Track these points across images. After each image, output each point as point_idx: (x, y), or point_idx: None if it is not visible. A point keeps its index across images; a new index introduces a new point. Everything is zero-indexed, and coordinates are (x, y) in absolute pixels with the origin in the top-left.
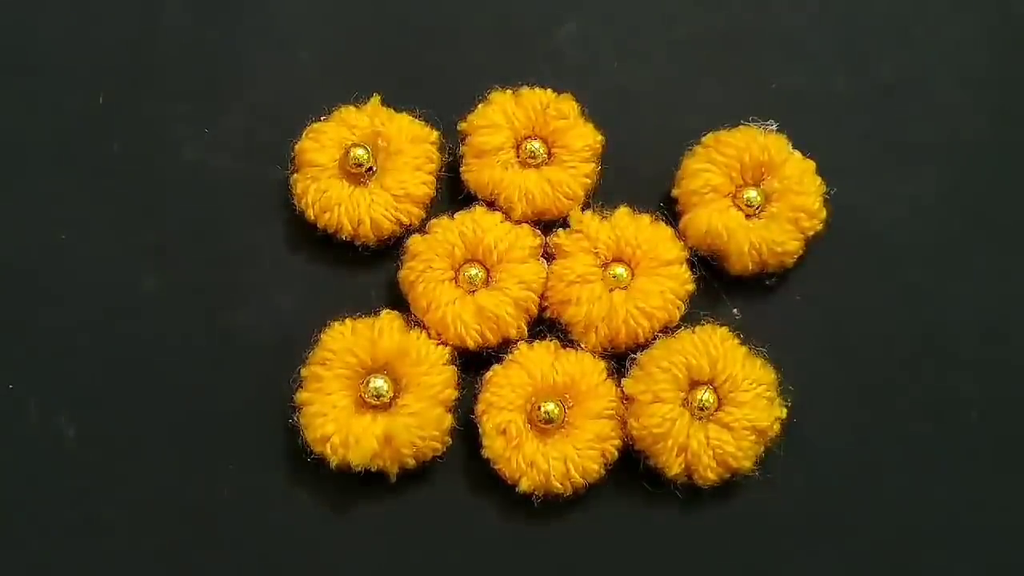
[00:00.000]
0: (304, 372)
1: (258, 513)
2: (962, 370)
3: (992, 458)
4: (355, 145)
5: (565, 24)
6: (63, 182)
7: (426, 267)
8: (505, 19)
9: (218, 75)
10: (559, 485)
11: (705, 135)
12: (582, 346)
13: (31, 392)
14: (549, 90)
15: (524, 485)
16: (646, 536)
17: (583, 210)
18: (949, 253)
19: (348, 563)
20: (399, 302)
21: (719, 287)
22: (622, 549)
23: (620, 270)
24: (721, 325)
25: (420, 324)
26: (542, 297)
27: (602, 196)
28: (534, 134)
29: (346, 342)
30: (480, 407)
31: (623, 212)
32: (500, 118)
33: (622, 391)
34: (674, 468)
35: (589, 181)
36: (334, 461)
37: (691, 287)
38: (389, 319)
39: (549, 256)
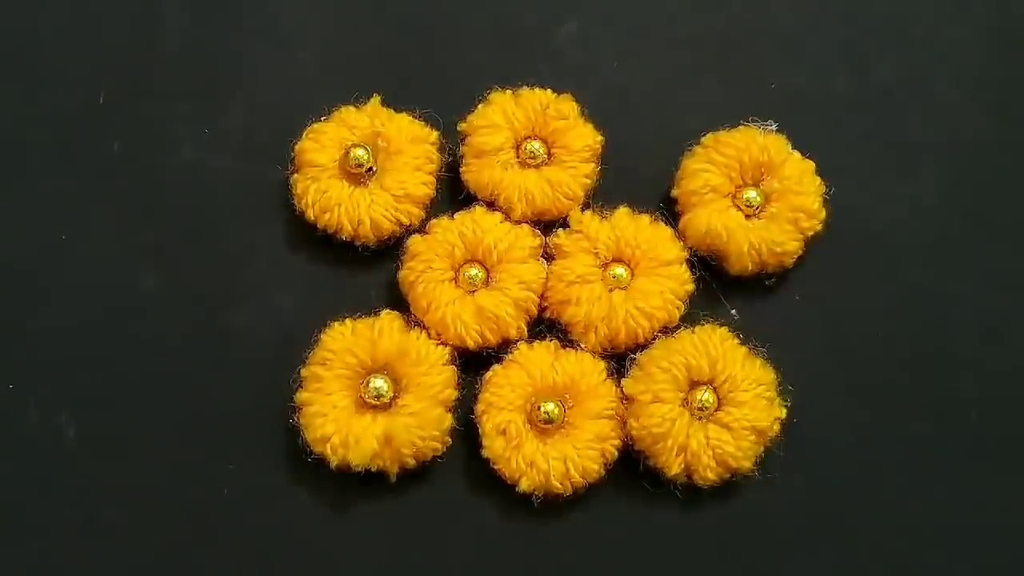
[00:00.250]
0: (304, 372)
1: (258, 513)
2: (962, 370)
3: (992, 458)
4: (355, 145)
5: (565, 24)
6: (63, 182)
7: (426, 267)
8: (505, 19)
9: (218, 75)
10: (559, 485)
11: (705, 135)
12: (582, 346)
13: (31, 392)
14: (549, 90)
15: (524, 485)
16: (646, 536)
17: (583, 210)
18: (949, 253)
19: (348, 563)
20: (399, 302)
21: (719, 287)
22: (622, 549)
23: (620, 270)
24: (721, 325)
25: (420, 324)
26: (542, 297)
27: (602, 196)
28: (534, 134)
29: (346, 342)
30: (480, 407)
31: (623, 212)
32: (500, 118)
33: (622, 391)
34: (674, 468)
35: (589, 181)
36: (334, 461)
37: (691, 287)
38: (389, 319)
39: (549, 256)
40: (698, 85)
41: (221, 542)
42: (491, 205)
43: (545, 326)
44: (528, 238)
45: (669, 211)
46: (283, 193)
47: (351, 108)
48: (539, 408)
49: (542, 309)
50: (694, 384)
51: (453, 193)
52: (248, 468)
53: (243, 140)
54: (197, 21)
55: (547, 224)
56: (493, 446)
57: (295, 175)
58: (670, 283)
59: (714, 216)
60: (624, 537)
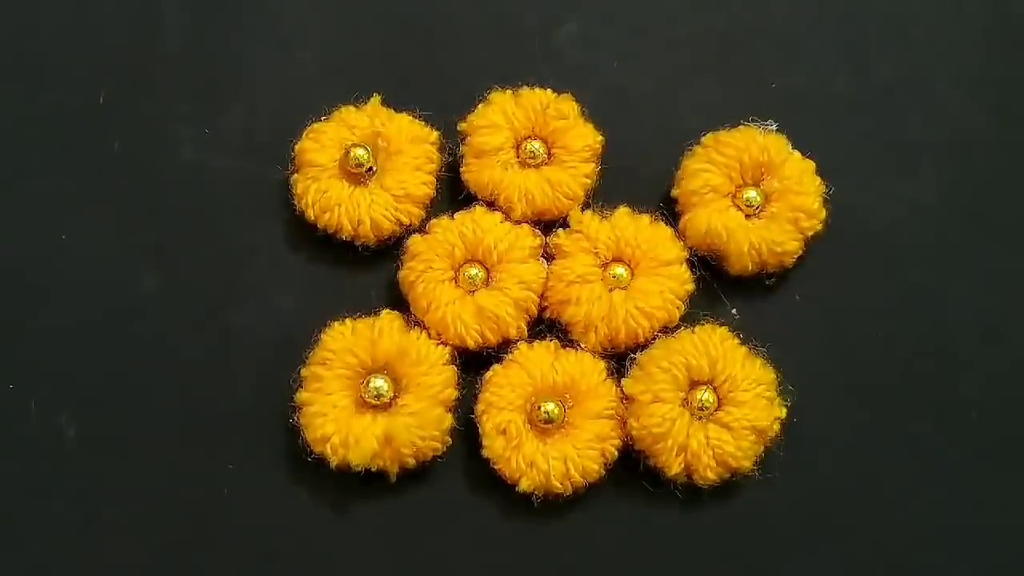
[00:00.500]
0: (304, 372)
1: (258, 513)
2: (962, 370)
3: (992, 458)
4: (355, 145)
5: (565, 24)
6: (63, 182)
7: (426, 267)
8: (505, 19)
9: (218, 75)
10: (559, 485)
11: (705, 135)
12: (582, 346)
13: (31, 392)
14: (549, 90)
15: (524, 485)
16: (646, 536)
17: (583, 210)
18: (949, 253)
19: (348, 563)
20: (399, 302)
21: (719, 287)
22: (622, 549)
23: (620, 270)
24: (721, 325)
25: (420, 324)
26: (542, 297)
27: (602, 196)
28: (534, 134)
29: (346, 342)
30: (480, 407)
31: (623, 212)
32: (500, 118)
33: (622, 391)
34: (674, 468)
35: (589, 181)
36: (334, 461)
37: (691, 287)
38: (389, 319)
39: (549, 256)
40: (698, 85)
41: (221, 542)
42: (491, 205)
43: (545, 326)
44: (528, 238)
45: (669, 211)
46: (283, 193)
47: (351, 108)
48: (539, 408)
49: (542, 309)
50: (694, 384)
51: (453, 193)
52: (248, 468)
53: (243, 140)
54: (197, 21)
55: (547, 224)
56: (493, 446)
57: (295, 175)
58: (670, 283)
59: (714, 216)
60: (624, 537)
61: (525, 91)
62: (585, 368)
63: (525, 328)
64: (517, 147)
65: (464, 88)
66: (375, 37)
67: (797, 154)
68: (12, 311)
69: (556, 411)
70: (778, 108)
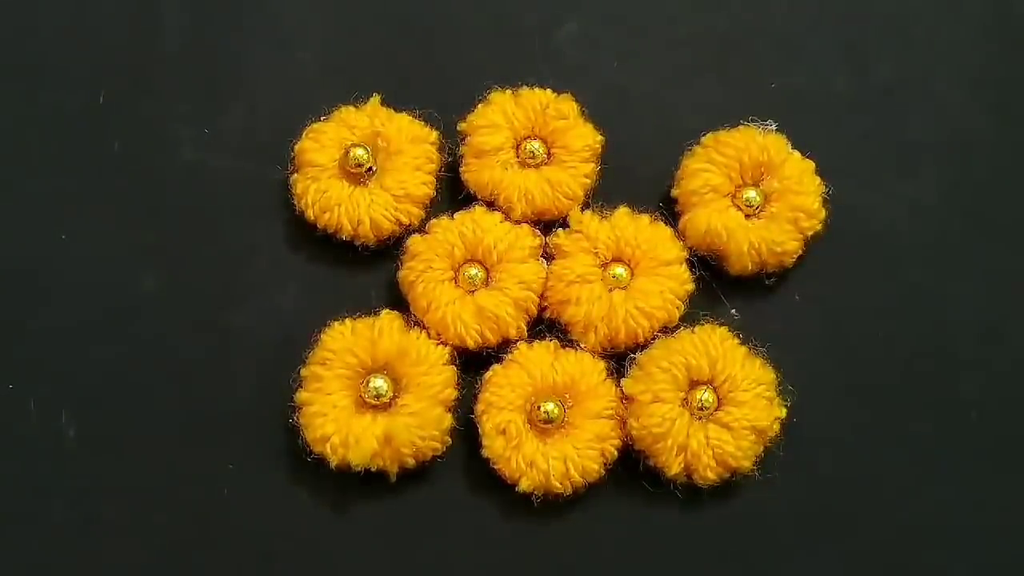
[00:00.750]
0: (304, 372)
1: (258, 513)
2: (962, 370)
3: (992, 458)
4: (355, 145)
5: (565, 24)
6: (63, 182)
7: (426, 267)
8: (505, 19)
9: (218, 75)
10: (559, 485)
11: (705, 135)
12: (582, 346)
13: (31, 392)
14: (549, 90)
15: (524, 485)
16: (646, 536)
17: (583, 210)
18: (949, 253)
19: (348, 563)
20: (399, 302)
21: (719, 287)
22: (622, 549)
23: (620, 270)
24: (721, 325)
25: (420, 324)
26: (542, 297)
27: (602, 196)
28: (534, 134)
29: (346, 342)
30: (480, 407)
31: (623, 212)
32: (500, 118)
33: (622, 391)
34: (674, 468)
35: (589, 181)
36: (334, 461)
37: (690, 287)
38: (389, 319)
39: (549, 256)
40: (698, 85)
41: (221, 542)
42: (491, 205)
43: (545, 326)
44: (528, 238)
45: (669, 211)
46: (283, 193)
47: (351, 108)
48: (539, 408)
49: (542, 309)
50: (694, 384)
51: (453, 193)
52: (248, 468)
53: (243, 140)
54: (197, 21)
55: (547, 224)
56: (493, 446)
57: (295, 175)
58: (670, 283)
59: (714, 216)
60: (624, 537)
61: (525, 91)
62: (585, 368)
63: (525, 328)
64: (517, 147)
65: (464, 88)
66: (375, 37)
67: (797, 154)
68: (12, 311)
69: (556, 411)
70: (778, 108)
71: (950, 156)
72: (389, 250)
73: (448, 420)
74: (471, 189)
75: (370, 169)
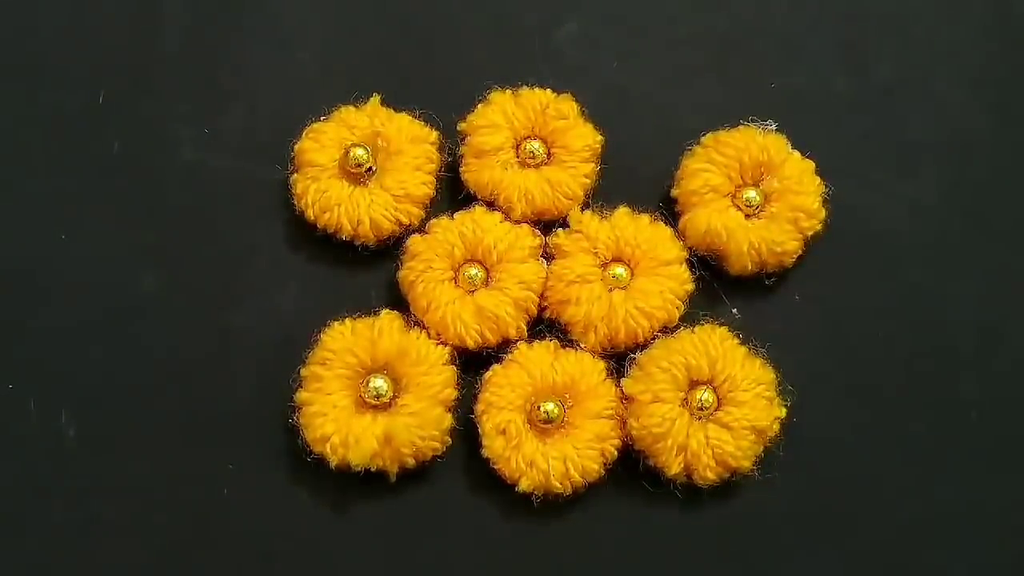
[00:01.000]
0: (304, 372)
1: (258, 513)
2: (962, 370)
3: (992, 458)
4: (355, 145)
5: (565, 24)
6: (63, 182)
7: (426, 267)
8: (505, 19)
9: (218, 75)
10: (559, 485)
11: (705, 135)
12: (582, 346)
13: (31, 392)
14: (549, 90)
15: (524, 485)
16: (646, 536)
17: (583, 210)
18: (949, 253)
19: (348, 563)
20: (399, 302)
21: (718, 287)
22: (622, 549)
23: (620, 270)
24: (720, 325)
25: (420, 324)
26: (542, 297)
27: (602, 196)
28: (534, 134)
29: (346, 342)
30: (480, 407)
31: (622, 212)
32: (500, 118)
33: (622, 391)
34: (673, 468)
35: (588, 181)
36: (334, 461)
37: (690, 287)
38: (389, 319)
39: (549, 256)
40: (698, 85)
41: (221, 542)
42: (491, 205)
43: (545, 326)
44: (528, 238)
45: (669, 211)
46: (283, 193)
47: (351, 108)
48: (539, 408)
49: (542, 309)
50: (694, 384)
51: (453, 193)
52: (248, 468)
53: (243, 140)
54: (197, 21)
55: (547, 224)
56: (493, 446)
57: (295, 175)
58: (670, 283)
59: (714, 216)
60: (624, 537)
61: (525, 91)
62: (585, 368)
63: (525, 328)
64: (517, 147)
65: (464, 88)
66: (375, 37)
67: (797, 154)
68: (12, 311)
69: (556, 411)
70: (778, 108)
71: (950, 156)
72: (389, 250)
73: (448, 420)
74: (471, 189)
75: (370, 169)
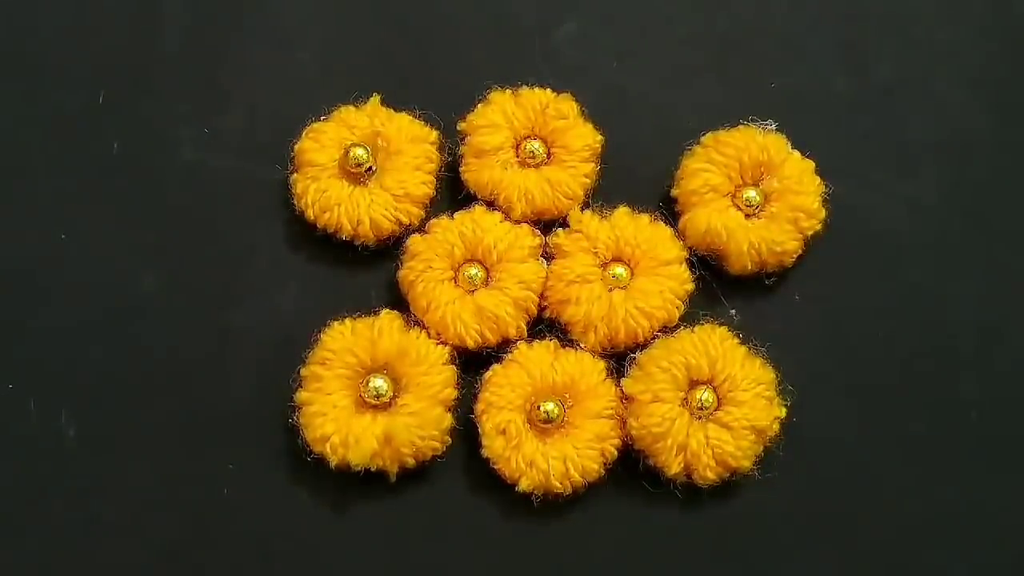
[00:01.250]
0: (304, 372)
1: (258, 513)
2: (962, 370)
3: (992, 458)
4: (355, 145)
5: (564, 24)
6: (63, 182)
7: (426, 267)
8: (505, 19)
9: (218, 75)
10: (558, 485)
11: (704, 135)
12: (582, 346)
13: (31, 392)
14: (548, 90)
15: (524, 485)
16: (646, 536)
17: (582, 210)
18: (949, 253)
19: (348, 563)
20: (399, 302)
21: (719, 287)
22: (622, 549)
23: (619, 270)
24: (720, 325)
25: (420, 324)
26: (542, 297)
27: (601, 196)
28: (533, 134)
29: (346, 342)
30: (480, 407)
31: (622, 212)
32: (500, 118)
33: (621, 391)
34: (673, 467)
35: (588, 181)
36: (334, 461)
37: (690, 287)
38: (389, 319)
39: (549, 256)
40: (698, 85)
41: (221, 542)
42: (491, 205)
43: (545, 326)
44: (528, 238)
45: (669, 211)
46: (283, 193)
47: (351, 108)
48: (539, 408)
49: (542, 309)
50: (694, 384)
51: (453, 193)
52: (248, 468)
53: (243, 140)
54: (197, 21)
55: (547, 224)
56: (493, 446)
57: (295, 175)
58: (670, 283)
59: (714, 216)
60: (624, 537)
61: (525, 91)
62: (585, 368)
63: (525, 328)
64: (517, 147)
65: (464, 88)
66: (375, 37)
67: (797, 154)
68: (12, 311)
69: (556, 411)
70: (778, 108)
71: (950, 156)
72: (389, 250)
73: (448, 420)
74: (471, 189)
75: (370, 169)
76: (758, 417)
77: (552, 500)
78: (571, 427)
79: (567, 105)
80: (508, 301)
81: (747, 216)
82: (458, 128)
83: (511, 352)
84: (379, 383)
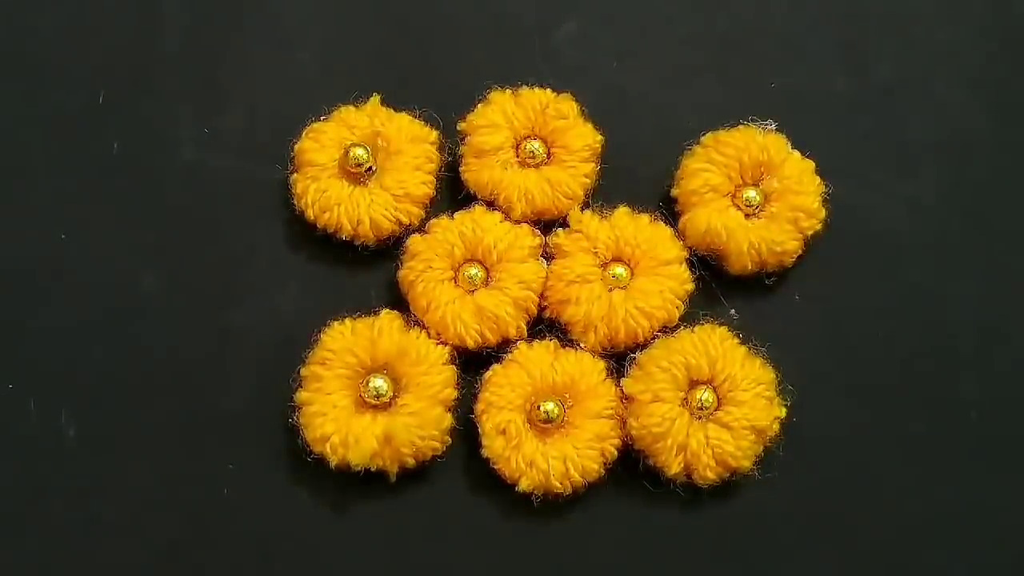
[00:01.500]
0: (304, 372)
1: (258, 513)
2: (962, 370)
3: (992, 458)
4: (355, 145)
5: (564, 24)
6: (63, 182)
7: (426, 267)
8: (505, 19)
9: (218, 75)
10: (558, 485)
11: (704, 135)
12: (582, 346)
13: (31, 392)
14: (548, 90)
15: (524, 485)
16: (646, 536)
17: (582, 210)
18: (949, 253)
19: (348, 563)
20: (399, 302)
21: (718, 287)
22: (622, 549)
23: (619, 270)
24: (720, 325)
25: (420, 324)
26: (542, 297)
27: (601, 196)
28: (533, 134)
29: (346, 342)
30: (480, 407)
31: (622, 212)
32: (500, 118)
33: (622, 391)
34: (673, 467)
35: (588, 181)
36: (334, 461)
37: (690, 287)
38: (389, 319)
39: (549, 256)
40: (698, 85)
41: (221, 542)
42: (491, 205)
43: (545, 326)
44: (528, 238)
45: (669, 211)
46: (283, 193)
47: (351, 108)
48: (539, 408)
49: (542, 309)
50: (694, 384)
51: (453, 193)
52: (248, 468)
53: (243, 140)
54: (197, 21)
55: (547, 224)
56: (493, 446)
57: (295, 175)
58: (670, 283)
59: (714, 216)
60: (624, 537)
61: (525, 91)
62: (585, 368)
63: (525, 328)
64: (517, 147)
65: (464, 88)
66: (375, 37)
67: (797, 154)
68: (12, 311)
69: (556, 411)
70: (778, 108)
71: (950, 156)
72: (389, 250)
73: (448, 420)
74: (471, 189)
75: (370, 169)
76: (758, 417)
77: (552, 500)
78: (571, 427)
79: (567, 105)
80: (508, 301)
81: (747, 216)
82: (458, 128)
83: (511, 352)
84: (379, 383)
